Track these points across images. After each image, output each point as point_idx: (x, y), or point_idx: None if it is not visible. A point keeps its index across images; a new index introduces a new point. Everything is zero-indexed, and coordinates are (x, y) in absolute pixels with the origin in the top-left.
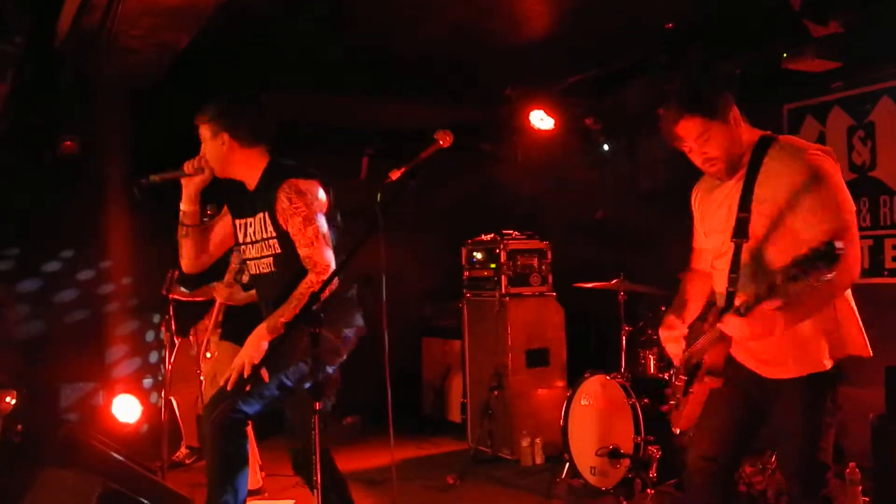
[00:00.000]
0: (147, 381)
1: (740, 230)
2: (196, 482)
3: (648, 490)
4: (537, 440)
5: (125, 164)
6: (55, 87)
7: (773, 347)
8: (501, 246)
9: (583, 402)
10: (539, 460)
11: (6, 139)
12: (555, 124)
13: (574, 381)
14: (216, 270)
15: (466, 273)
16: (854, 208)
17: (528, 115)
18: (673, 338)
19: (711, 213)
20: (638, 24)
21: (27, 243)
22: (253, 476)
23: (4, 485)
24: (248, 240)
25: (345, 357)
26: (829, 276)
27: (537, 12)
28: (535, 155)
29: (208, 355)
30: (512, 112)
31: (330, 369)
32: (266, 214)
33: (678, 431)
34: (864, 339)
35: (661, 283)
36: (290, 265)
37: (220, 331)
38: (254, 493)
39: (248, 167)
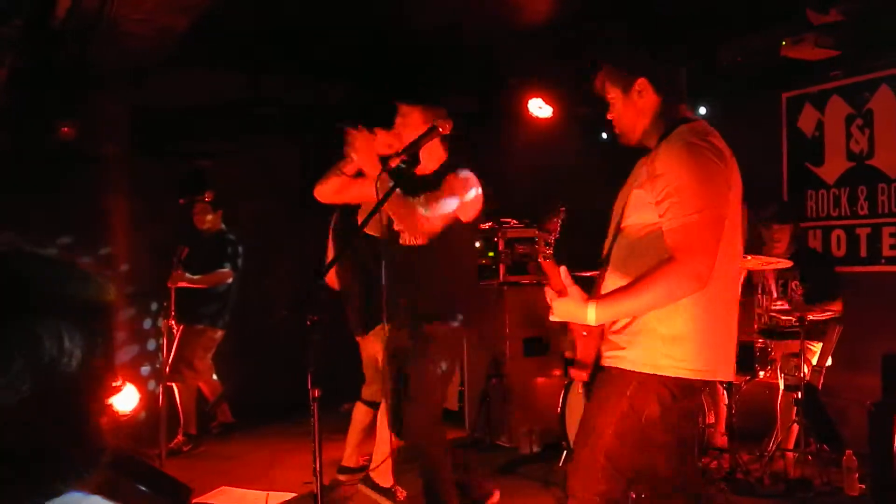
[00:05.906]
0: (145, 369)
1: (620, 217)
2: (194, 469)
3: None
4: (535, 428)
5: (124, 149)
6: (53, 70)
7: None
8: (499, 234)
9: (580, 390)
10: (537, 448)
11: (3, 123)
12: (553, 112)
13: None
14: (222, 257)
15: None
16: (710, 212)
17: (526, 103)
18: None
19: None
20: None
21: (24, 229)
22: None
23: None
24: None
25: None
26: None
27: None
28: (534, 143)
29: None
30: (510, 100)
31: None
32: None
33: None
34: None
35: None
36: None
37: None
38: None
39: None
